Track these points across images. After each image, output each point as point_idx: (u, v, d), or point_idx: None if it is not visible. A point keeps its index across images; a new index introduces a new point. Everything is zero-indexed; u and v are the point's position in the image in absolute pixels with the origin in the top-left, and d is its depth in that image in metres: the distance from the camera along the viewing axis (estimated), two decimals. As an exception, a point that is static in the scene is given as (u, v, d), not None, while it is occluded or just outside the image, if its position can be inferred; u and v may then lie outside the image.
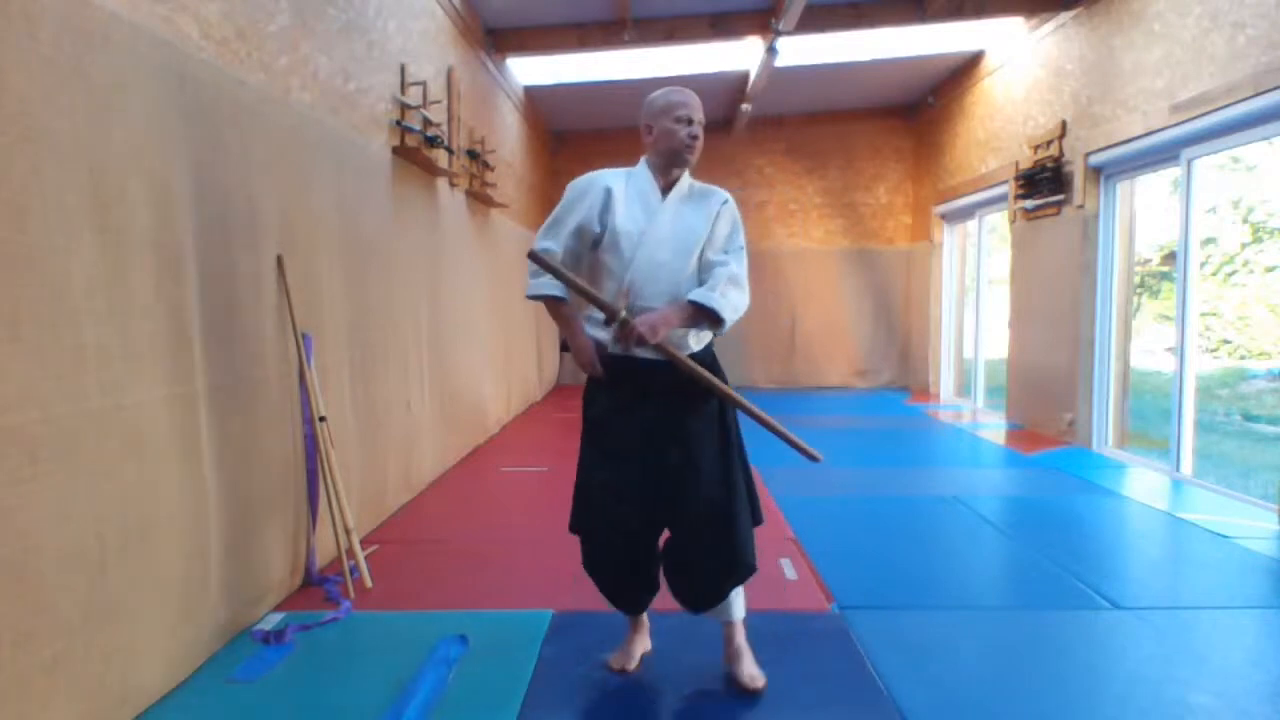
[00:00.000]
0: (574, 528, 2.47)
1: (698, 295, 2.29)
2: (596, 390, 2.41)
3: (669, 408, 2.33)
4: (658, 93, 2.41)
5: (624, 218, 2.32)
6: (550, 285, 2.35)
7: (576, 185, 2.39)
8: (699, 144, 2.36)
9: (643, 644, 2.56)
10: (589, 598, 3.04)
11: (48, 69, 1.89)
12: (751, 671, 2.41)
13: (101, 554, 2.02)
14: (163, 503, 2.27)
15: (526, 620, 2.83)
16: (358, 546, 3.20)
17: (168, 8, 2.42)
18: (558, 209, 2.38)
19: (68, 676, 1.90)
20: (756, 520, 2.40)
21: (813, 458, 2.40)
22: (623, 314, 2.24)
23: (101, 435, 2.03)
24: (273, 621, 2.80)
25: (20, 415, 1.78)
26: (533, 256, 2.32)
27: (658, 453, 2.32)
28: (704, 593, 2.39)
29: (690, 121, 2.33)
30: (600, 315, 2.33)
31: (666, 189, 2.38)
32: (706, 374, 2.31)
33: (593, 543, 2.45)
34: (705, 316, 2.31)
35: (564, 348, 2.39)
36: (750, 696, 2.35)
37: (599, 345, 2.34)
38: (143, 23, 2.27)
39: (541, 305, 2.45)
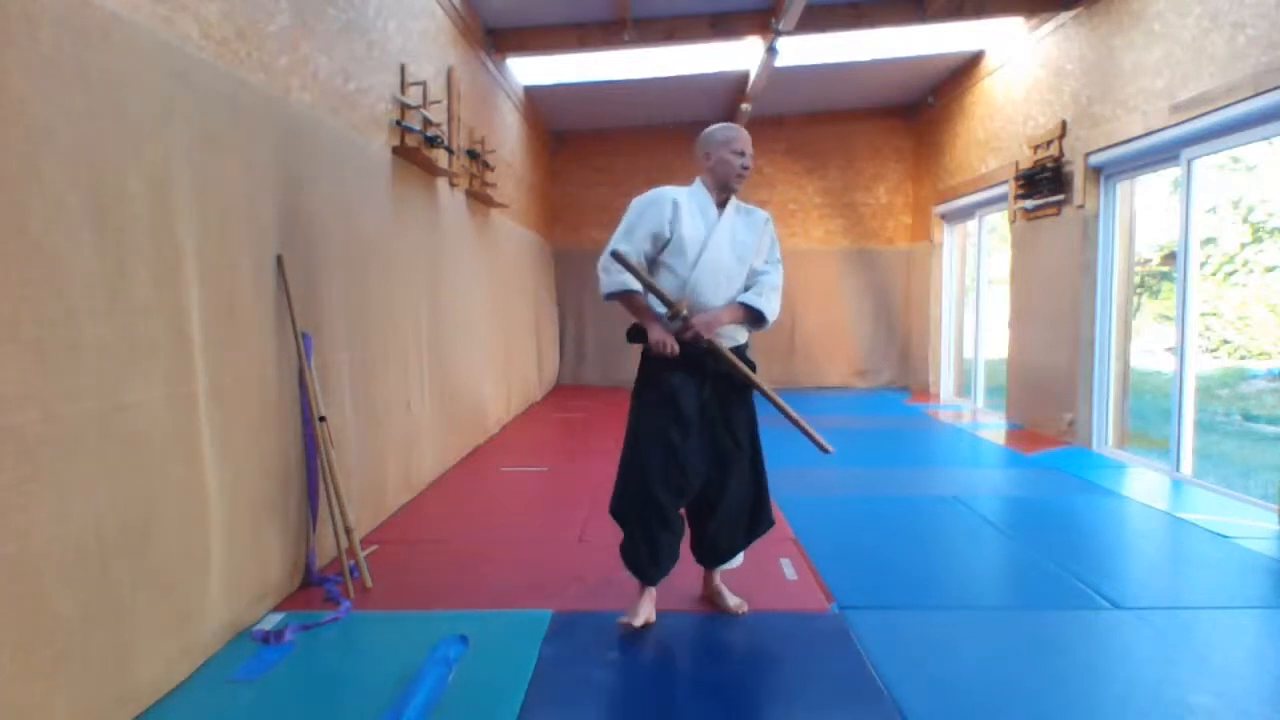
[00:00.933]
0: (624, 505, 2.81)
1: (748, 298, 2.78)
2: (661, 369, 2.75)
3: (721, 385, 2.78)
4: (716, 127, 2.85)
5: (689, 226, 2.74)
6: (627, 281, 2.72)
7: (645, 198, 2.79)
8: (748, 173, 2.81)
9: (650, 609, 2.83)
10: (589, 598, 3.05)
11: (48, 69, 1.89)
12: (737, 600, 2.94)
13: (101, 554, 2.02)
14: (163, 503, 2.27)
15: (526, 620, 2.83)
16: (358, 546, 3.20)
17: (168, 8, 2.42)
18: (629, 218, 2.78)
19: (68, 676, 1.90)
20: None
21: (824, 449, 2.85)
22: (684, 311, 2.67)
23: (101, 435, 2.03)
24: (273, 621, 2.79)
25: (20, 415, 1.78)
26: (616, 255, 2.70)
27: (709, 421, 2.78)
28: (728, 549, 2.90)
29: (744, 154, 2.79)
30: (662, 311, 2.74)
31: (721, 204, 2.82)
32: (744, 368, 2.77)
33: (653, 507, 2.75)
34: (751, 316, 2.81)
35: (630, 338, 2.88)
36: (738, 616, 2.87)
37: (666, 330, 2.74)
38: (143, 23, 2.27)
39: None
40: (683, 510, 2.87)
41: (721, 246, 2.76)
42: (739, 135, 2.79)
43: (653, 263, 2.78)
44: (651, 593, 2.85)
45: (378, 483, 4.03)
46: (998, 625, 2.85)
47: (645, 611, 2.80)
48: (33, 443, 1.81)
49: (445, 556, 3.58)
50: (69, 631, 1.91)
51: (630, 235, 2.74)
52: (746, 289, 2.81)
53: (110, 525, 2.05)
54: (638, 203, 2.78)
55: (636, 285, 2.72)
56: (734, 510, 2.85)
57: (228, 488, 2.62)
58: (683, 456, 2.72)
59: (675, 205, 2.74)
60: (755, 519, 2.91)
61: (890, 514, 4.27)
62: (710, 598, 2.99)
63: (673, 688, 2.40)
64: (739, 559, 3.01)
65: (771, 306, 2.80)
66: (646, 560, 2.78)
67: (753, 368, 2.83)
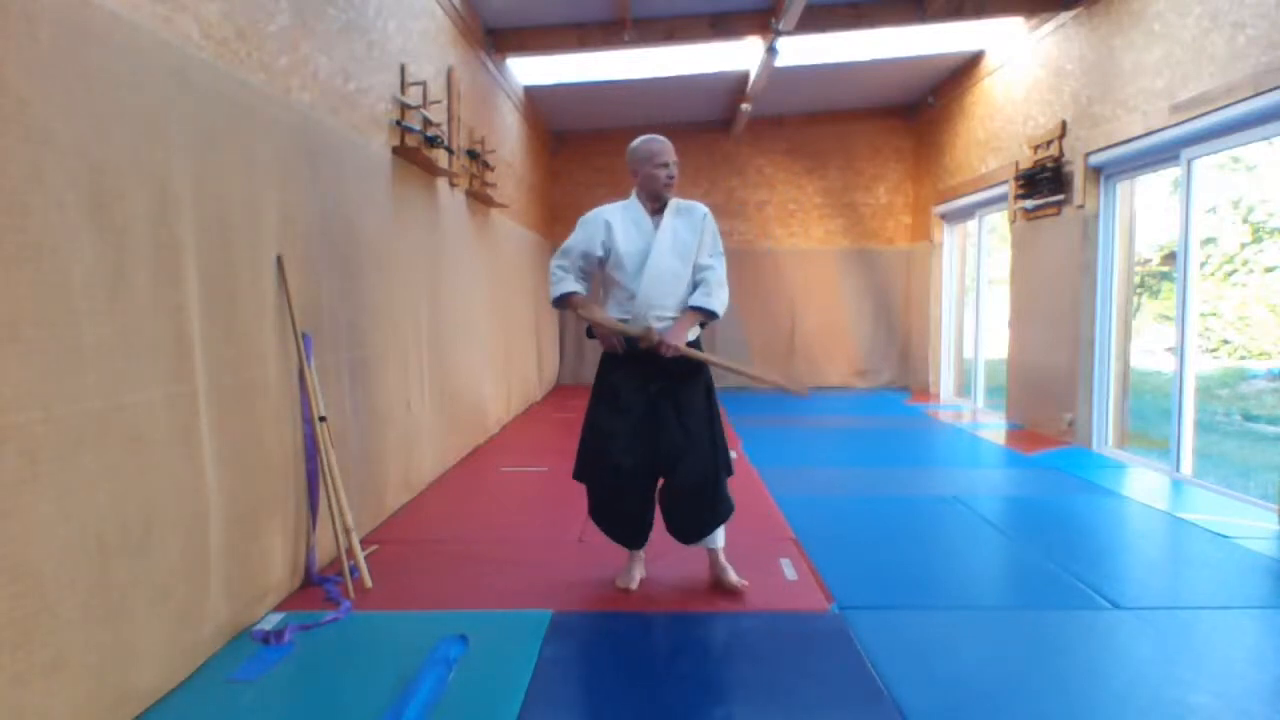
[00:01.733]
0: (579, 473, 3.11)
1: (698, 301, 3.01)
2: (614, 363, 3.06)
3: (669, 380, 3.00)
4: (638, 142, 3.07)
5: (623, 241, 3.01)
6: (570, 284, 3.02)
7: (584, 219, 3.08)
8: (674, 181, 3.03)
9: (640, 570, 3.20)
10: (589, 598, 3.06)
11: (48, 69, 1.89)
12: (735, 578, 3.10)
13: (101, 554, 2.02)
14: (163, 503, 2.27)
15: (526, 620, 2.83)
16: (358, 546, 3.20)
17: (168, 8, 2.42)
18: (569, 239, 3.07)
19: (68, 676, 1.90)
20: (728, 471, 3.10)
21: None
22: (655, 338, 2.92)
23: (101, 435, 2.03)
24: (273, 621, 2.80)
25: (20, 415, 1.78)
26: (563, 303, 3.05)
27: (657, 412, 2.99)
28: (695, 528, 3.07)
29: (667, 165, 3.01)
30: (629, 305, 2.98)
31: (656, 212, 3.06)
32: (704, 356, 3.05)
33: (598, 483, 3.07)
34: (705, 315, 3.05)
35: (589, 334, 3.21)
36: (735, 597, 3.03)
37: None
38: (143, 23, 2.27)
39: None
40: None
41: (664, 253, 3.00)
42: (661, 148, 3.02)
43: (602, 276, 3.10)
44: (638, 555, 3.20)
45: (378, 483, 4.03)
46: (998, 625, 2.85)
47: (637, 574, 3.17)
48: (33, 443, 1.81)
49: (445, 556, 3.58)
50: (69, 631, 1.91)
51: (567, 253, 3.07)
52: (696, 284, 3.05)
53: (110, 525, 2.05)
54: (579, 223, 3.08)
55: (577, 288, 3.03)
56: (688, 492, 3.01)
57: (228, 488, 2.62)
58: (620, 438, 2.99)
59: (608, 226, 3.03)
60: (714, 501, 3.05)
61: (890, 514, 4.27)
62: (715, 577, 3.15)
63: (673, 688, 2.40)
64: (718, 539, 3.15)
65: (720, 301, 3.05)
66: (607, 521, 3.12)
67: (704, 364, 3.11)
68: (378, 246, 4.11)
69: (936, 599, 3.08)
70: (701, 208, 3.11)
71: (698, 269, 3.04)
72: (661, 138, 3.05)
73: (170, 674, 2.31)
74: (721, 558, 3.15)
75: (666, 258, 3.00)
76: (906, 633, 2.75)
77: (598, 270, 3.09)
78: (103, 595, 2.02)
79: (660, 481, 3.11)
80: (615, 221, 3.04)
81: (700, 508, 3.04)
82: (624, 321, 3.00)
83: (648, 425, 2.99)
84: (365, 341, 3.91)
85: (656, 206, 3.07)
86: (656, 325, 2.96)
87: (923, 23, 6.72)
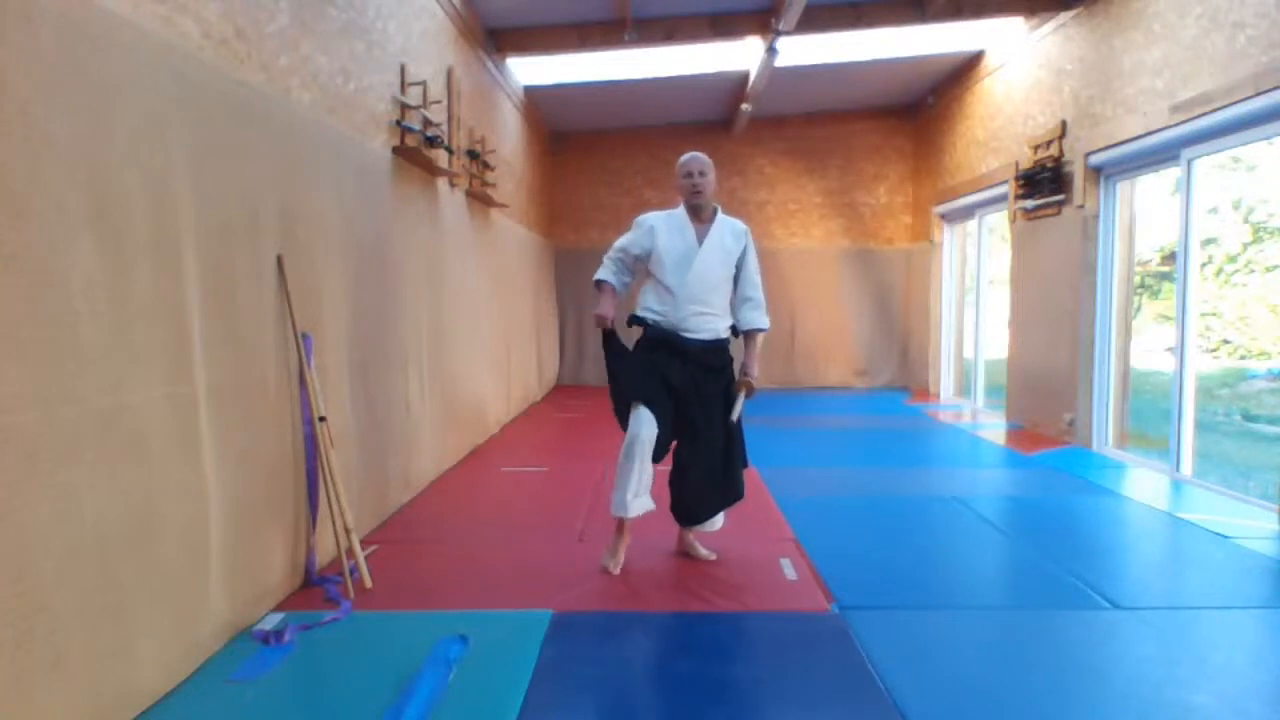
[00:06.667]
0: (623, 400, 3.39)
1: (762, 324, 3.44)
2: (652, 347, 3.36)
3: (695, 369, 3.33)
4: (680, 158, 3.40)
5: (664, 243, 3.34)
6: (606, 273, 3.41)
7: (637, 221, 3.45)
8: (700, 190, 3.31)
9: (626, 541, 3.37)
10: (589, 598, 3.06)
11: (48, 69, 1.89)
12: (707, 551, 3.46)
13: (101, 554, 2.02)
14: (163, 503, 2.27)
15: (526, 620, 2.83)
16: (358, 546, 3.20)
17: (168, 8, 2.42)
18: (623, 239, 3.45)
19: (68, 676, 1.90)
20: (743, 462, 3.44)
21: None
22: (749, 380, 3.40)
23: (101, 435, 2.03)
24: (273, 621, 2.79)
25: (20, 415, 1.78)
26: (598, 286, 3.47)
27: (687, 401, 3.31)
28: (701, 507, 3.38)
29: (690, 175, 3.31)
30: (668, 299, 3.30)
31: (703, 223, 3.37)
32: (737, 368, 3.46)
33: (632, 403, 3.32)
34: (761, 333, 3.49)
35: (629, 323, 3.52)
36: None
37: (655, 323, 3.36)
38: (143, 23, 2.27)
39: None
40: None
41: (710, 260, 3.31)
42: (685, 161, 3.35)
43: (643, 271, 3.42)
44: (625, 538, 3.36)
45: (378, 483, 4.03)
46: (998, 625, 2.85)
47: (623, 545, 3.36)
48: (33, 443, 1.81)
49: (445, 556, 3.58)
50: (69, 631, 1.91)
51: (618, 246, 3.44)
52: (745, 300, 3.43)
53: (110, 525, 2.05)
54: (634, 222, 3.46)
55: (610, 279, 3.40)
56: (703, 476, 3.34)
57: (228, 488, 2.62)
58: (661, 398, 3.28)
59: (653, 229, 3.37)
60: (726, 487, 3.39)
61: (890, 514, 4.27)
62: (685, 549, 3.50)
63: (673, 688, 2.40)
64: (718, 522, 3.48)
65: (768, 322, 3.50)
66: (631, 489, 3.25)
67: (730, 361, 3.44)
68: (378, 246, 4.11)
69: (936, 599, 3.08)
70: (743, 224, 3.46)
71: (748, 286, 3.42)
72: (695, 154, 3.37)
73: (170, 674, 2.31)
74: (690, 533, 3.47)
75: (712, 263, 3.31)
76: (906, 633, 2.75)
77: (641, 265, 3.41)
78: (103, 595, 2.02)
79: (669, 468, 3.41)
80: (660, 226, 3.37)
81: (710, 488, 3.35)
82: (691, 340, 3.33)
83: (680, 407, 3.32)
84: (365, 341, 3.91)
85: (701, 217, 3.37)
86: (696, 319, 3.31)
87: (923, 23, 6.72)
